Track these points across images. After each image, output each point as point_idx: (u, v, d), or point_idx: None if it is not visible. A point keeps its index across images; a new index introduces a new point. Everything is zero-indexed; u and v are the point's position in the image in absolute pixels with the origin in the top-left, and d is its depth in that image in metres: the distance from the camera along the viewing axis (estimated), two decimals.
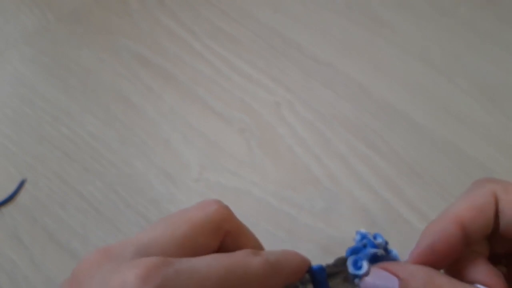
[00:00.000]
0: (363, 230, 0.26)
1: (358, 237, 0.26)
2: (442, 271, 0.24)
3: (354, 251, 0.25)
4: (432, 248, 0.23)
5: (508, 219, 0.23)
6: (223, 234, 0.25)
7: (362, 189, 0.41)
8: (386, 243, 0.26)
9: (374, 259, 0.25)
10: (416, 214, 0.40)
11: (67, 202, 0.42)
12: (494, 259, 0.25)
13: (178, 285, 0.19)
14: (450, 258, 0.24)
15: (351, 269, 0.24)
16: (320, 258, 0.38)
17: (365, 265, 0.24)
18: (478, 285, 0.23)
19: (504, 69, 0.47)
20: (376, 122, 0.44)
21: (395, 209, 0.40)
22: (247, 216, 0.41)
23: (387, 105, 0.45)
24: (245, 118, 0.45)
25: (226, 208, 0.26)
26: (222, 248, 0.25)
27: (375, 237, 0.26)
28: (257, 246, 0.27)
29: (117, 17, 0.52)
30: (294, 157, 0.43)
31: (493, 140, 0.43)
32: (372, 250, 0.25)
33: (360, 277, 0.24)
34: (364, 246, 0.26)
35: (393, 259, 0.26)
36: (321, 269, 0.26)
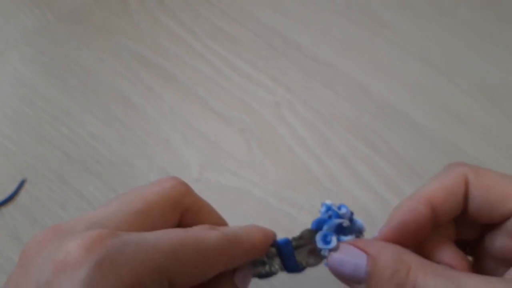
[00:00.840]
0: (328, 202, 0.26)
1: (323, 209, 0.26)
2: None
3: (319, 222, 0.25)
4: (402, 226, 0.23)
5: (477, 202, 0.24)
6: (181, 211, 0.24)
7: (362, 189, 0.41)
8: (351, 213, 0.26)
9: (339, 230, 0.25)
10: None
11: (67, 202, 0.42)
12: (460, 247, 0.25)
13: (125, 256, 0.18)
14: (419, 238, 0.24)
15: (319, 243, 0.24)
16: None
17: (334, 240, 0.24)
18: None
19: (504, 69, 0.47)
20: (376, 122, 0.44)
21: None
22: (247, 216, 0.41)
23: (387, 105, 0.45)
24: (245, 118, 0.45)
25: (184, 184, 0.25)
26: (182, 225, 0.24)
27: (339, 208, 0.26)
28: (219, 223, 0.26)
29: (117, 17, 0.52)
30: (294, 157, 0.43)
31: (493, 140, 0.43)
32: (337, 221, 0.25)
33: (328, 251, 0.24)
34: (329, 217, 0.25)
35: (358, 228, 0.26)
36: (287, 242, 0.26)
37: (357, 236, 0.26)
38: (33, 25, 0.52)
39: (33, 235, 0.20)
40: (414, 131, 0.44)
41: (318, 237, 0.24)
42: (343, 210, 0.25)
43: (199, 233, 0.21)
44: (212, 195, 0.42)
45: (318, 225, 0.25)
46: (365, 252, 0.23)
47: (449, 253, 0.24)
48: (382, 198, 0.41)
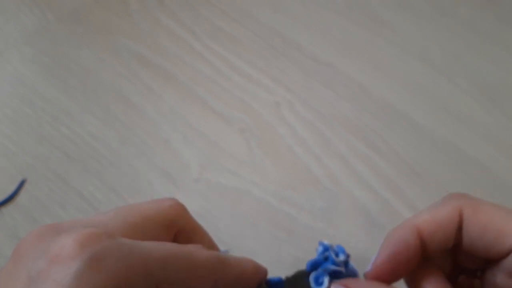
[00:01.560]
0: (326, 242, 0.26)
1: (320, 248, 0.27)
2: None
3: (314, 264, 0.26)
4: (392, 258, 0.24)
5: (471, 238, 0.24)
6: (176, 230, 0.25)
7: (362, 189, 0.41)
8: (348, 256, 0.27)
9: (333, 274, 0.26)
10: None
11: (67, 202, 0.42)
12: (463, 272, 0.26)
13: (118, 256, 0.19)
14: (409, 268, 0.24)
15: (312, 284, 0.25)
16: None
17: (326, 281, 0.25)
18: None
19: (504, 69, 0.47)
20: (376, 122, 0.44)
21: (395, 209, 0.40)
22: (247, 216, 0.41)
23: (387, 105, 0.45)
24: (245, 118, 0.45)
25: (181, 205, 0.25)
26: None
27: (337, 254, 0.26)
28: (211, 247, 0.27)
29: (117, 17, 0.52)
30: (294, 157, 0.43)
31: (493, 140, 0.43)
32: (332, 267, 0.25)
33: None
34: (325, 258, 0.26)
35: (351, 273, 0.26)
36: (280, 281, 0.27)
37: (347, 273, 0.26)
38: (33, 25, 0.52)
39: (30, 231, 0.21)
40: (414, 131, 0.44)
41: (312, 277, 0.25)
42: (340, 257, 0.26)
43: (192, 249, 0.22)
44: (212, 195, 0.42)
45: (313, 267, 0.26)
46: None
47: (434, 285, 0.24)
48: (382, 198, 0.41)
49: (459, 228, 0.24)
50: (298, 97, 0.46)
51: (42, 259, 0.19)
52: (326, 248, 0.26)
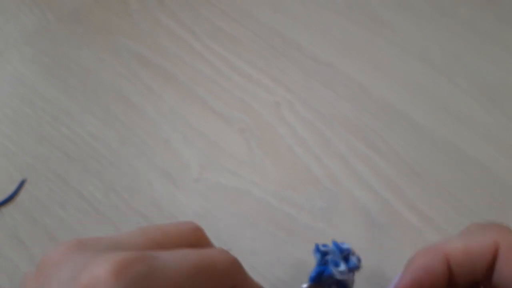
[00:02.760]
0: (321, 247, 0.26)
1: (318, 256, 0.26)
2: None
3: (318, 274, 0.25)
4: (417, 283, 0.23)
5: (502, 278, 0.22)
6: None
7: (362, 189, 0.41)
8: (349, 251, 0.26)
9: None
10: (416, 214, 0.40)
11: (67, 202, 0.42)
12: None
13: (152, 281, 0.19)
14: None
15: None
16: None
17: None
18: None
19: (504, 69, 0.47)
20: (376, 122, 0.44)
21: (395, 209, 0.40)
22: (247, 216, 0.41)
23: (387, 105, 0.45)
24: (245, 118, 0.45)
25: (200, 230, 0.26)
26: None
27: (336, 264, 0.26)
28: None
29: (117, 17, 0.52)
30: (294, 157, 0.43)
31: (493, 140, 0.43)
32: (337, 276, 0.25)
33: None
34: (325, 263, 0.26)
35: (353, 267, 0.26)
36: None
37: (352, 272, 0.26)
38: (33, 25, 0.52)
39: (54, 247, 0.20)
40: (414, 131, 0.44)
41: (313, 273, 0.25)
42: (341, 268, 0.25)
43: (214, 254, 0.23)
44: (212, 195, 0.42)
45: (317, 278, 0.26)
46: None
47: None
48: (382, 198, 0.41)
49: (491, 264, 0.22)
50: (298, 97, 0.46)
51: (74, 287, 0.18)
52: (324, 253, 0.26)
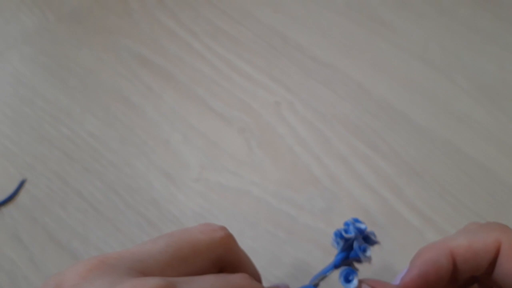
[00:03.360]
0: (344, 233, 0.26)
1: (341, 243, 0.26)
2: None
3: (343, 260, 0.26)
4: (422, 277, 0.23)
5: (502, 274, 0.23)
6: (224, 264, 0.24)
7: (362, 189, 0.41)
8: (364, 231, 0.27)
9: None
10: (416, 214, 0.40)
11: (67, 202, 0.42)
12: None
13: None
14: None
15: (342, 281, 0.25)
16: (320, 258, 0.38)
17: (355, 281, 0.25)
18: None
19: (504, 69, 0.47)
20: (376, 122, 0.44)
21: (395, 209, 0.40)
22: (247, 216, 0.41)
23: (387, 105, 0.45)
24: (245, 118, 0.45)
25: (231, 238, 0.25)
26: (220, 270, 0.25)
27: (363, 248, 0.26)
28: (253, 274, 0.27)
29: (117, 17, 0.52)
30: (294, 157, 0.43)
31: (493, 140, 0.43)
32: (363, 260, 0.26)
33: None
34: (349, 248, 0.26)
35: (373, 242, 0.27)
36: None
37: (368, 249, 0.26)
38: (33, 25, 0.52)
39: (72, 266, 0.19)
40: (414, 131, 0.44)
41: (341, 274, 0.25)
42: (368, 253, 0.26)
43: (239, 281, 0.22)
44: (212, 195, 0.42)
45: (341, 264, 0.26)
46: None
47: None
48: (382, 198, 0.41)
49: (493, 261, 0.23)
50: (298, 97, 0.46)
51: None
52: (347, 240, 0.26)
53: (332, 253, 0.38)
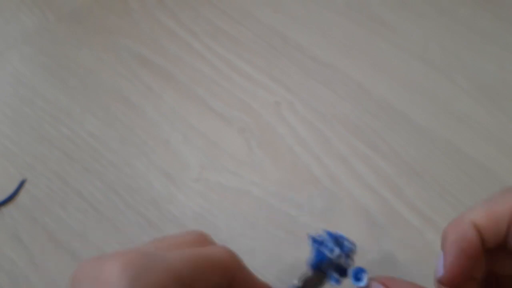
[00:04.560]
0: (316, 236, 0.28)
1: (314, 245, 0.28)
2: None
3: (319, 262, 0.27)
4: (462, 257, 0.24)
5: None
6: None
7: (362, 189, 0.41)
8: (337, 238, 0.28)
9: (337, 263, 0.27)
10: (416, 214, 0.40)
11: (67, 202, 0.42)
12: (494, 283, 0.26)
13: (153, 271, 0.21)
14: (477, 265, 0.24)
15: (352, 280, 0.26)
16: None
17: (365, 278, 0.26)
18: None
19: (504, 69, 0.47)
20: (376, 122, 0.44)
21: (395, 209, 0.40)
22: (247, 216, 0.41)
23: (387, 105, 0.45)
24: (245, 118, 0.45)
25: (205, 235, 0.27)
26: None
27: (331, 250, 0.27)
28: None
29: (117, 17, 0.52)
30: (294, 157, 0.43)
31: (493, 140, 0.43)
32: (336, 261, 0.27)
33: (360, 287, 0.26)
34: (321, 251, 0.27)
35: (348, 250, 0.28)
36: None
37: (348, 256, 0.27)
38: (33, 25, 0.52)
39: (80, 263, 0.23)
40: (414, 131, 0.44)
41: (351, 273, 0.26)
42: (336, 252, 0.27)
43: (213, 248, 0.25)
44: (212, 195, 0.42)
45: (317, 265, 0.27)
46: None
47: None
48: (382, 198, 0.41)
49: (509, 225, 0.24)
50: (298, 97, 0.46)
51: (94, 285, 0.22)
52: (318, 242, 0.28)
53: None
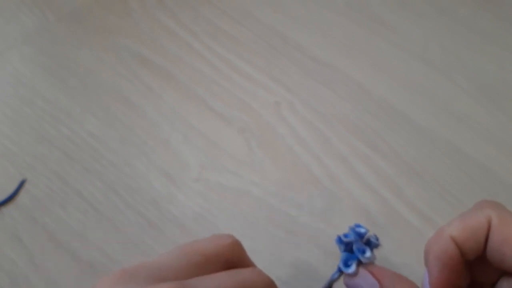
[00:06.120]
0: (343, 237, 0.28)
1: (342, 246, 0.28)
2: None
3: (346, 262, 0.27)
4: (446, 271, 0.24)
5: (493, 247, 0.24)
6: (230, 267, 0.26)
7: (362, 189, 0.41)
8: (365, 234, 0.28)
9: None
10: (416, 214, 0.40)
11: (67, 202, 0.42)
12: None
13: None
14: (459, 278, 0.25)
15: (341, 265, 0.27)
16: (320, 258, 0.38)
17: (353, 266, 0.27)
18: None
19: (504, 69, 0.47)
20: (376, 122, 0.44)
21: (395, 209, 0.40)
22: (247, 216, 0.41)
23: (387, 105, 0.45)
24: (245, 118, 0.45)
25: (237, 244, 0.27)
26: None
27: (363, 251, 0.27)
28: None
29: (117, 17, 0.52)
30: (294, 157, 0.43)
31: (493, 140, 0.43)
32: (364, 261, 0.27)
33: (348, 274, 0.27)
34: (351, 251, 0.28)
35: (374, 245, 0.28)
36: None
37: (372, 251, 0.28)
38: (33, 25, 0.52)
39: (101, 279, 0.22)
40: (414, 131, 0.44)
41: (342, 260, 0.27)
42: (368, 254, 0.27)
43: (251, 278, 0.25)
44: (212, 195, 0.42)
45: (348, 265, 0.27)
46: (379, 281, 0.26)
47: None
48: (382, 198, 0.41)
49: (486, 237, 0.24)
50: (298, 97, 0.46)
51: None
52: (347, 244, 0.28)
53: (331, 252, 0.38)
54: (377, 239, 0.28)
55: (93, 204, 0.42)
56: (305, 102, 0.46)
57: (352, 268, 0.27)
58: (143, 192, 0.42)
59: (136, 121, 0.46)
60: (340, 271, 0.27)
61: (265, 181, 0.42)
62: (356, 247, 0.27)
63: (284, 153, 0.43)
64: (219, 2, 0.53)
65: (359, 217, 0.40)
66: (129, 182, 0.42)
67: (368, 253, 0.27)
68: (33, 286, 0.38)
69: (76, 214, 0.41)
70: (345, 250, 0.28)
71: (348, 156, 0.43)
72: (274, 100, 0.46)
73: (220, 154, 0.44)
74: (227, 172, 0.43)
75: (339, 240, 0.28)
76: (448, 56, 0.48)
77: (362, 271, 0.26)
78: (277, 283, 0.36)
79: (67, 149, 0.44)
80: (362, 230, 0.28)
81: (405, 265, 0.38)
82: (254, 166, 0.43)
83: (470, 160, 0.42)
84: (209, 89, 0.47)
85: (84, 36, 0.51)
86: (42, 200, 0.42)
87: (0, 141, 0.45)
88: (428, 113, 0.45)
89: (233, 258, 0.26)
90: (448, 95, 0.46)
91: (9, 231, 0.41)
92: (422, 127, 0.44)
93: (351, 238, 0.27)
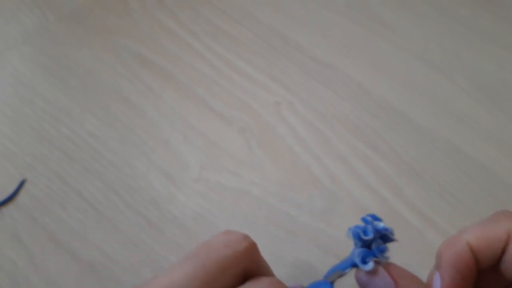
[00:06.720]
0: (361, 234, 0.27)
1: (359, 243, 0.27)
2: None
3: (365, 256, 0.26)
4: (458, 277, 0.24)
5: (510, 260, 0.24)
6: (248, 273, 0.25)
7: (362, 189, 0.41)
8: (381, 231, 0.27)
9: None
10: (416, 214, 0.40)
11: (67, 202, 0.42)
12: None
13: None
14: (471, 285, 0.24)
15: (358, 261, 0.26)
16: (320, 258, 0.38)
17: (371, 264, 0.26)
18: None
19: (504, 69, 0.47)
20: (376, 122, 0.44)
21: (395, 209, 0.40)
22: (247, 216, 0.41)
23: (387, 105, 0.45)
24: (245, 118, 0.45)
25: (255, 246, 0.26)
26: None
27: (382, 250, 0.26)
28: None
29: (117, 17, 0.52)
30: (294, 157, 0.43)
31: (493, 140, 0.43)
32: (382, 260, 0.26)
33: (365, 271, 0.26)
34: (368, 247, 0.26)
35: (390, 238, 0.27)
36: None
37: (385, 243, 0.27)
38: (33, 25, 0.52)
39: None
40: (414, 131, 0.44)
41: (358, 254, 0.26)
42: (387, 254, 0.26)
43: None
44: (212, 195, 0.42)
45: (363, 242, 0.26)
46: (396, 282, 0.25)
47: None
48: (382, 198, 0.41)
49: (504, 249, 0.24)
50: (298, 97, 0.46)
51: None
52: (365, 241, 0.26)
53: (332, 252, 0.38)
54: (392, 233, 0.27)
55: (93, 204, 0.42)
56: (305, 102, 0.46)
57: (370, 265, 0.26)
58: (143, 192, 0.42)
59: (136, 121, 0.46)
60: (352, 266, 0.26)
61: (265, 181, 0.42)
62: (376, 245, 0.26)
63: (284, 153, 0.43)
64: (219, 2, 0.53)
65: (359, 217, 0.40)
66: (129, 182, 0.42)
67: (387, 253, 0.26)
68: (33, 286, 0.38)
69: (76, 214, 0.41)
70: (362, 246, 0.26)
71: (348, 156, 0.43)
72: (274, 100, 0.46)
73: (220, 154, 0.44)
74: (227, 172, 0.43)
75: (357, 235, 0.26)
76: (448, 56, 0.48)
77: (381, 270, 0.25)
78: (291, 284, 0.36)
79: (67, 149, 0.44)
80: (380, 226, 0.27)
81: (405, 265, 0.37)
82: (254, 166, 0.43)
83: (470, 160, 0.42)
84: (209, 89, 0.47)
85: (84, 36, 0.51)
86: (42, 200, 0.42)
87: (0, 141, 0.45)
88: (428, 113, 0.45)
89: (251, 265, 0.25)
90: (448, 95, 0.46)
91: (9, 231, 0.41)
92: (422, 127, 0.44)
93: (371, 236, 0.26)
